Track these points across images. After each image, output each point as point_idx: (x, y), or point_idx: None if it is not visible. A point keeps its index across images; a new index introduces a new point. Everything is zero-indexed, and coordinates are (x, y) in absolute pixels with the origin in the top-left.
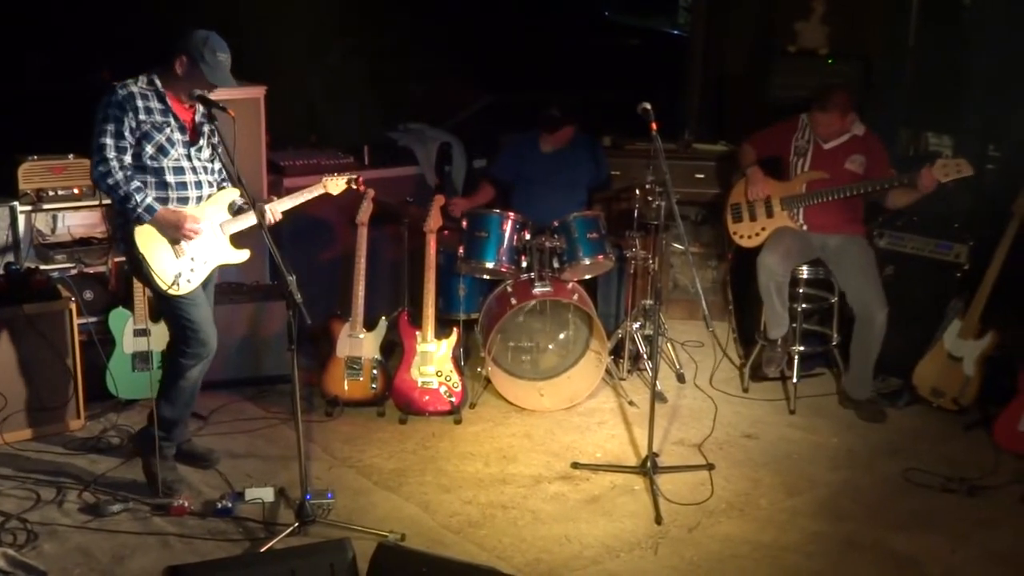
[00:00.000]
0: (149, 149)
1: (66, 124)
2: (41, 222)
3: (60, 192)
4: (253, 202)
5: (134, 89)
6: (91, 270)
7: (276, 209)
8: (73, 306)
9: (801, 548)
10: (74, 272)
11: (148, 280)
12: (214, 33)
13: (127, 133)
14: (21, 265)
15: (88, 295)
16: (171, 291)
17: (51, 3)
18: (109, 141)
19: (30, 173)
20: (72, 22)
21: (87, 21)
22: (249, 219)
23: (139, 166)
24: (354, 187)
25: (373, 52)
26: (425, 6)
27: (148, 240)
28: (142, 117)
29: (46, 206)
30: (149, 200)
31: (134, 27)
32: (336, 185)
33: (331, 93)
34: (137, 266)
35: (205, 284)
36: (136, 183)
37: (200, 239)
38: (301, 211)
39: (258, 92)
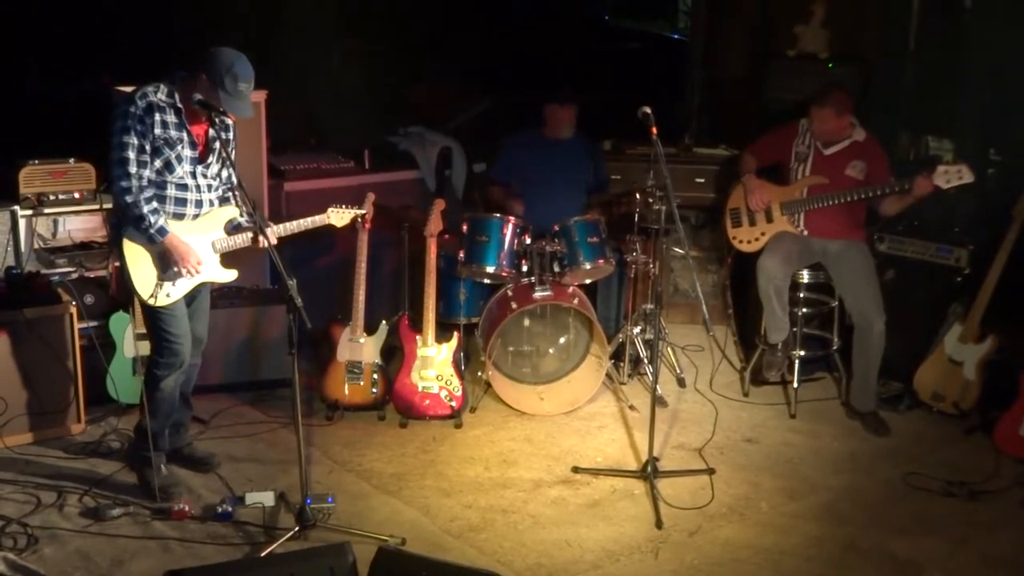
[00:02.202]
0: (157, 163)
1: (67, 128)
2: (42, 226)
3: (61, 196)
4: (253, 212)
5: (153, 100)
6: (92, 274)
7: (273, 234)
8: (74, 310)
9: (802, 552)
10: (75, 276)
11: (129, 287)
12: (242, 58)
13: (147, 145)
14: (22, 269)
15: (89, 299)
16: (149, 301)
17: (51, 7)
18: (132, 155)
19: (31, 177)
20: (72, 26)
21: (87, 25)
22: (242, 239)
23: None
24: (359, 223)
25: (372, 56)
26: (424, 9)
27: (134, 249)
28: (157, 131)
29: (47, 210)
30: (162, 222)
31: (134, 31)
32: (341, 218)
33: (331, 97)
34: (122, 271)
35: (195, 296)
36: (154, 204)
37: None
38: (301, 215)
39: (258, 96)
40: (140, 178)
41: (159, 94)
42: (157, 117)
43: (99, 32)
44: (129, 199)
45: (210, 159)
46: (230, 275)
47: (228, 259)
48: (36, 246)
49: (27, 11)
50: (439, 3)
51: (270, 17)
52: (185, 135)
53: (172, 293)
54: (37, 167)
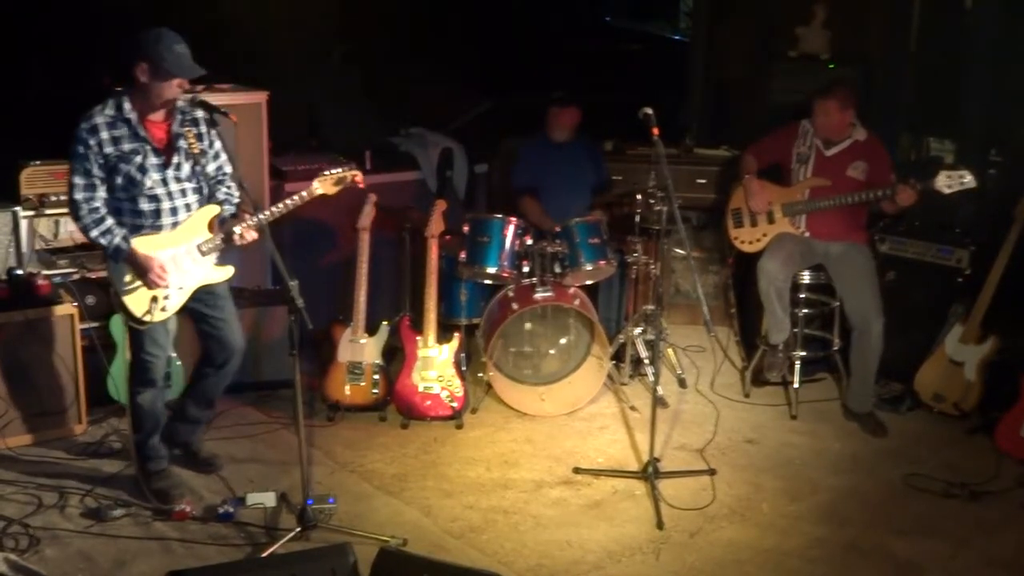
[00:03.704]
0: (119, 180)
1: (68, 129)
2: (43, 227)
3: (62, 197)
4: (254, 208)
5: (98, 120)
6: (93, 275)
7: (252, 228)
8: (75, 311)
9: (803, 553)
10: (76, 277)
11: (122, 309)
12: (163, 28)
13: (95, 169)
14: (24, 270)
15: (90, 300)
16: (145, 318)
17: (52, 9)
18: (77, 180)
19: (32, 178)
20: (74, 28)
21: (88, 27)
22: (219, 237)
23: (114, 196)
24: (349, 183)
25: (373, 57)
26: (425, 11)
27: (122, 271)
28: (108, 150)
29: (48, 211)
30: (117, 241)
31: (135, 33)
32: (329, 184)
33: (332, 98)
34: (114, 294)
35: (211, 304)
36: (106, 225)
37: (173, 267)
38: (303, 216)
39: (260, 97)
40: (88, 202)
41: (106, 110)
42: (104, 135)
43: (100, 34)
44: (79, 224)
45: (176, 159)
46: (226, 273)
47: (226, 257)
48: (37, 247)
49: (29, 13)
50: (440, 4)
51: (271, 18)
52: (144, 144)
53: (168, 307)
54: (39, 168)
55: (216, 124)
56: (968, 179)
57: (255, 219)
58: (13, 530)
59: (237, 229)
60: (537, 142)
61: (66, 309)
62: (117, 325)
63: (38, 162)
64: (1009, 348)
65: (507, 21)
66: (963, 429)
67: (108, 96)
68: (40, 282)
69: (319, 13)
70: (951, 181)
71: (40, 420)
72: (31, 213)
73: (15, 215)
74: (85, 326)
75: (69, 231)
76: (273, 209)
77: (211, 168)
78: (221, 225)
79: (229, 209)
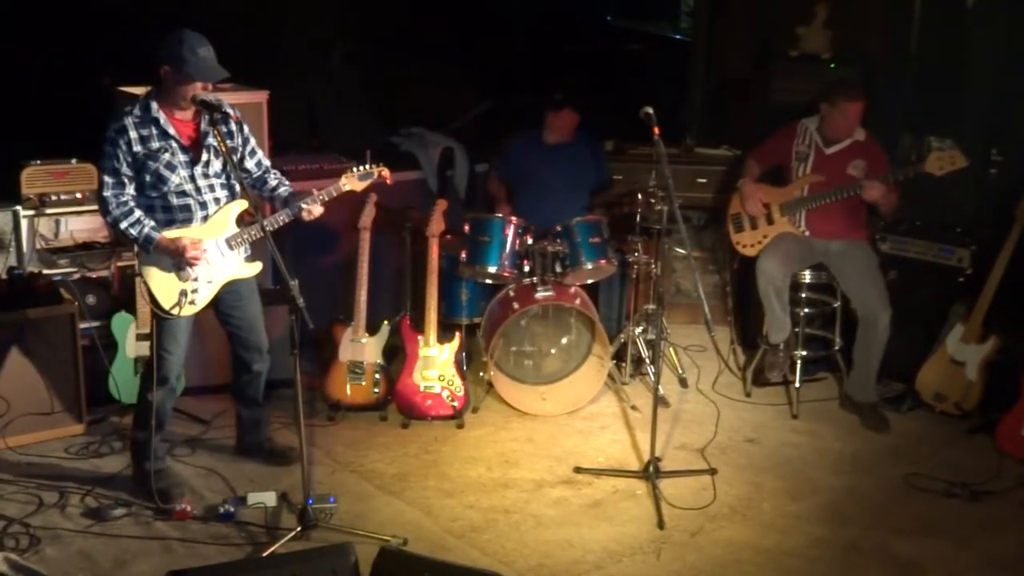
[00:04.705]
0: (148, 178)
1: (68, 129)
2: (44, 227)
3: (63, 197)
4: (255, 209)
5: (125, 122)
6: (94, 274)
7: (324, 197)
8: (75, 310)
9: (804, 553)
10: (77, 276)
11: (151, 301)
12: (187, 30)
13: (123, 167)
14: (24, 269)
15: (91, 299)
16: (174, 311)
17: (53, 9)
18: (106, 178)
19: (33, 178)
20: (74, 28)
21: (89, 27)
22: (256, 229)
23: (144, 195)
24: (376, 180)
25: (373, 57)
26: (426, 10)
27: (149, 266)
28: (136, 149)
29: (49, 211)
30: (147, 231)
31: (135, 33)
32: (355, 180)
33: (332, 98)
34: (145, 287)
35: (233, 303)
36: (135, 216)
37: (203, 260)
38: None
39: (260, 97)
40: (117, 198)
41: (134, 111)
42: (133, 135)
43: (101, 34)
44: (108, 219)
45: (206, 157)
46: (254, 268)
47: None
48: (38, 246)
49: (29, 13)
50: (441, 4)
51: (271, 17)
52: (172, 142)
53: (197, 300)
54: (39, 168)
55: (241, 124)
56: (958, 159)
57: (320, 195)
58: (13, 530)
59: (303, 204)
60: (529, 140)
61: (66, 308)
62: (118, 324)
63: (38, 162)
64: (1010, 348)
65: (507, 21)
66: (964, 429)
67: (115, 97)
68: (40, 281)
69: (319, 13)
70: (942, 162)
71: (41, 419)
72: (31, 213)
73: (15, 215)
74: (85, 325)
75: (69, 230)
76: (309, 198)
77: (251, 164)
78: (288, 208)
79: (287, 189)
